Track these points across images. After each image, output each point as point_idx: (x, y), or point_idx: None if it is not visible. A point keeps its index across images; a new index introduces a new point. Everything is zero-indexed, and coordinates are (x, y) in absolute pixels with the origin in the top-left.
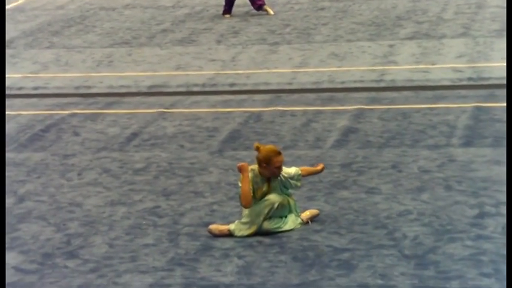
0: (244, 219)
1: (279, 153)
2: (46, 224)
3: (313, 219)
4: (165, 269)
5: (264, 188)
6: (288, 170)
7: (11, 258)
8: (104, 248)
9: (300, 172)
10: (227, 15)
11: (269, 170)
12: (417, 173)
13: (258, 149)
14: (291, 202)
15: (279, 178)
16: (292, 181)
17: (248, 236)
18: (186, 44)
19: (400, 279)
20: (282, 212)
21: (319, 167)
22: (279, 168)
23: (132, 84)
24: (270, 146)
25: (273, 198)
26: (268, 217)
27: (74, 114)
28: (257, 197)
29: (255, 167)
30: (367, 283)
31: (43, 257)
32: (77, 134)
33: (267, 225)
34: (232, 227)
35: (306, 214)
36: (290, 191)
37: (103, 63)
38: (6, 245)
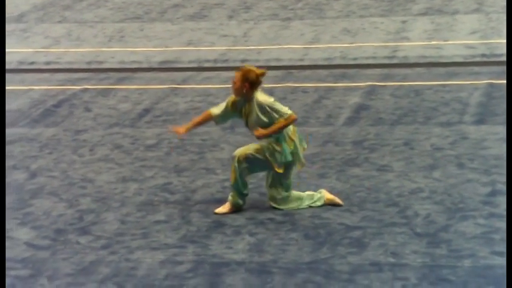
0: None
1: (239, 68)
2: (58, 200)
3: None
4: (177, 245)
5: (245, 112)
6: (274, 104)
7: (24, 233)
8: (115, 225)
9: (288, 113)
10: None
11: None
12: (429, 151)
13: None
14: (278, 148)
15: (254, 105)
16: (273, 114)
17: (241, 206)
18: (198, 19)
19: (412, 258)
20: (262, 165)
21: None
22: (232, 83)
23: (143, 59)
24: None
25: (237, 152)
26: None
27: (85, 90)
28: (243, 117)
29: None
30: (378, 261)
31: (55, 232)
32: (89, 109)
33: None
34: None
35: (329, 198)
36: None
37: (114, 38)
38: (19, 221)
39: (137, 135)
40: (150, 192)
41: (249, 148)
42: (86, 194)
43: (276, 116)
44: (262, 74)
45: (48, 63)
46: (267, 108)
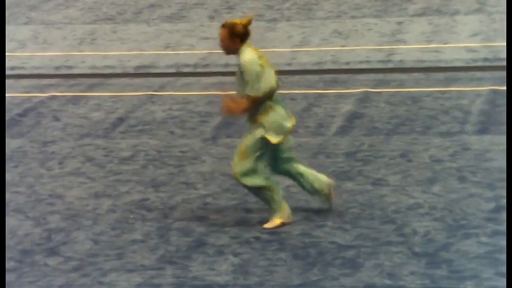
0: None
1: (222, 24)
2: (24, 218)
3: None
4: (155, 267)
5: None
6: (250, 71)
7: None
8: (87, 244)
9: (252, 94)
10: None
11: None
12: (428, 163)
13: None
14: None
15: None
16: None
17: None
18: (176, 20)
19: (410, 279)
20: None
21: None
22: (220, 42)
23: (117, 64)
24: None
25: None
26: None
27: (53, 97)
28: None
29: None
30: (374, 283)
31: (21, 253)
32: (58, 118)
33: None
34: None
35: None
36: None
37: (85, 41)
38: None
39: (111, 147)
40: (125, 208)
41: (241, 157)
42: (55, 211)
43: (245, 87)
44: (249, 22)
45: (12, 68)
46: (243, 70)
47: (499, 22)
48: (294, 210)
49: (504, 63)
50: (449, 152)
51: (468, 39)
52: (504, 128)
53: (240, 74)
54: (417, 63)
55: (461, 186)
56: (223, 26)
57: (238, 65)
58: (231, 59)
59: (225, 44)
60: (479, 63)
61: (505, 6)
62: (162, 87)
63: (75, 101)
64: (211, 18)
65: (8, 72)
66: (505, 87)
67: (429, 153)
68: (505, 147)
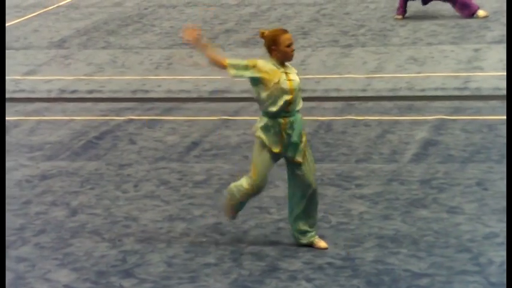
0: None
1: (285, 30)
2: (100, 240)
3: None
4: None
5: (281, 71)
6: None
7: (63, 275)
8: (161, 267)
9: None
10: (399, 17)
11: (280, 51)
12: (504, 192)
13: (262, 34)
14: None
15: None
16: None
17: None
18: (251, 45)
19: None
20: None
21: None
22: (290, 47)
23: (192, 88)
24: (275, 28)
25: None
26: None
27: (130, 121)
28: (274, 78)
29: (262, 61)
30: None
31: (97, 275)
32: (134, 142)
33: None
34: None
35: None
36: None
37: (162, 65)
38: (58, 262)
39: (185, 171)
40: (199, 232)
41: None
42: (130, 233)
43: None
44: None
45: (90, 91)
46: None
47: None
48: (368, 236)
49: None
50: None
51: None
52: None
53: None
54: (494, 91)
55: None
56: (283, 31)
57: (291, 71)
58: (307, 84)
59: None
60: None
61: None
62: (236, 112)
63: (151, 124)
64: None
65: (86, 95)
66: None
67: (505, 181)
68: None
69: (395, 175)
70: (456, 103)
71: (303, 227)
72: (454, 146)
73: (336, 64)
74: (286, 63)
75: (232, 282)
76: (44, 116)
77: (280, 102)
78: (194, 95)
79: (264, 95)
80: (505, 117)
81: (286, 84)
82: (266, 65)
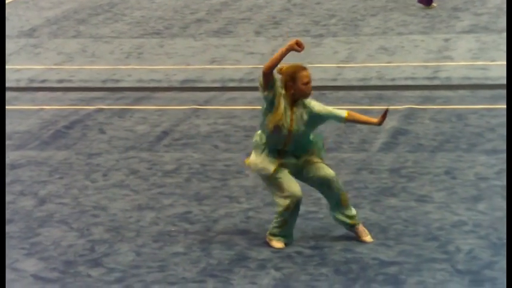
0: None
1: (304, 68)
2: (68, 229)
3: None
4: (196, 280)
5: (287, 113)
6: (328, 108)
7: (31, 265)
8: (130, 256)
9: (344, 115)
10: (434, 5)
11: (297, 88)
12: (473, 180)
13: (281, 70)
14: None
15: (304, 109)
16: (331, 117)
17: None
18: (222, 35)
19: None
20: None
21: (376, 119)
22: (307, 85)
23: (163, 78)
24: (294, 63)
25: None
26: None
27: (100, 110)
28: (276, 119)
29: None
30: None
31: (65, 264)
32: (103, 131)
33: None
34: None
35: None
36: (319, 144)
37: (132, 55)
38: (26, 251)
39: (155, 160)
40: (168, 221)
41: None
42: (99, 222)
43: (335, 113)
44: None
45: (60, 81)
46: (320, 109)
47: None
48: (336, 225)
49: None
50: (495, 169)
51: None
52: None
53: (306, 119)
54: (464, 80)
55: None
56: (302, 68)
57: (298, 112)
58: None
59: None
60: None
61: None
62: (207, 102)
63: (121, 114)
64: (258, 33)
65: (55, 84)
66: None
67: (474, 170)
68: None
69: (364, 164)
70: (426, 92)
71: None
72: (423, 135)
73: (307, 54)
74: (300, 102)
75: (201, 271)
76: (13, 105)
77: (274, 143)
78: (165, 85)
79: (267, 124)
80: (474, 106)
81: (285, 129)
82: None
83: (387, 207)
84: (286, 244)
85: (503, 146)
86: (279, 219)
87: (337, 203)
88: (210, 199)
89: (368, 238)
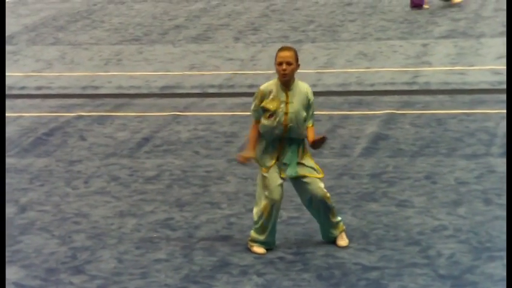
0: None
1: (285, 48)
2: (50, 236)
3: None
4: (179, 286)
5: (282, 98)
6: (313, 108)
7: (12, 273)
8: (112, 263)
9: (310, 124)
10: (426, 6)
11: (276, 69)
12: (453, 185)
13: None
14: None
15: (304, 95)
16: (309, 114)
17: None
18: (201, 41)
19: None
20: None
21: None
22: (280, 66)
23: (142, 84)
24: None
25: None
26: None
27: (80, 117)
28: (272, 108)
29: (267, 83)
30: None
31: (46, 272)
32: (84, 138)
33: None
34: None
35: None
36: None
37: (111, 61)
38: (7, 259)
39: (136, 167)
40: (150, 228)
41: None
42: (80, 230)
43: (309, 113)
44: None
45: (39, 88)
46: (309, 100)
47: None
48: (318, 230)
49: None
50: (475, 174)
51: (493, 61)
52: None
53: (300, 107)
54: (442, 86)
55: (487, 208)
56: (289, 48)
57: (292, 99)
58: (257, 79)
59: (293, 68)
60: (504, 86)
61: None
62: (187, 108)
63: (101, 120)
64: (236, 39)
65: (35, 92)
66: None
67: (454, 175)
68: None
69: (345, 169)
70: (405, 98)
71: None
72: (403, 140)
73: None
74: (296, 84)
75: (183, 278)
76: None
77: (274, 131)
78: (145, 91)
79: (263, 120)
80: (453, 111)
81: (281, 117)
82: (267, 90)
83: (368, 212)
84: (267, 250)
85: (483, 150)
86: (258, 224)
87: (327, 218)
88: (191, 205)
89: (343, 242)
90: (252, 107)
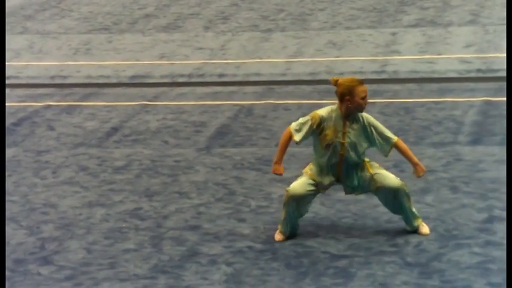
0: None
1: (361, 82)
2: (18, 227)
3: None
4: (147, 276)
5: (339, 128)
6: (381, 126)
7: None
8: (80, 254)
9: (394, 140)
10: None
11: (353, 102)
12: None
13: (336, 82)
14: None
15: (361, 124)
16: (379, 139)
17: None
18: (171, 30)
19: None
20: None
21: (419, 169)
22: (365, 100)
23: (112, 74)
24: (349, 77)
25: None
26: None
27: (48, 107)
28: (327, 139)
29: (326, 110)
30: None
31: (14, 263)
32: (52, 128)
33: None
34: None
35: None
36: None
37: (80, 50)
38: None
39: (104, 156)
40: (119, 218)
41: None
42: (48, 220)
43: (377, 133)
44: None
45: (7, 77)
46: (370, 125)
47: (492, 33)
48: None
49: (498, 74)
50: (442, 162)
51: (462, 50)
52: (497, 138)
53: (360, 137)
54: (411, 74)
55: (454, 196)
56: (358, 81)
57: (354, 129)
58: (227, 69)
59: (367, 100)
60: (473, 74)
61: (502, 16)
62: (156, 97)
63: (69, 110)
64: (206, 28)
65: None
66: (498, 98)
67: (422, 163)
68: (497, 157)
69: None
70: (374, 86)
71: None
72: None
73: (256, 49)
74: (354, 115)
75: (152, 268)
76: None
77: (330, 160)
78: (114, 81)
79: (318, 148)
80: (421, 99)
81: (338, 147)
82: (328, 117)
83: (337, 201)
84: (286, 238)
85: (451, 138)
86: (282, 211)
87: (407, 209)
88: (160, 195)
89: (425, 229)
90: (300, 125)
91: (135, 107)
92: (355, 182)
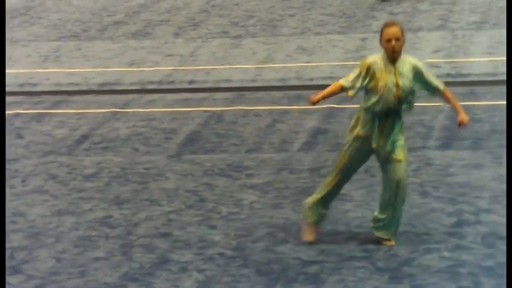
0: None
1: (391, 24)
2: None
3: None
4: (118, 285)
5: (389, 70)
6: (428, 73)
7: None
8: (50, 263)
9: (441, 88)
10: None
11: (382, 45)
12: None
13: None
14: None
15: (409, 68)
16: (426, 85)
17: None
18: (141, 37)
19: None
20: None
21: (463, 117)
22: (389, 42)
23: (81, 81)
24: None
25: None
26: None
27: (17, 115)
28: (379, 85)
29: (374, 55)
30: None
31: None
32: (21, 136)
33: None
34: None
35: None
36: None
37: (50, 58)
38: None
39: (74, 164)
40: (88, 226)
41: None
42: (17, 229)
43: (428, 79)
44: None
45: None
46: (420, 68)
47: (461, 38)
48: (258, 225)
49: (467, 78)
50: (412, 167)
51: (431, 55)
52: (466, 143)
53: (410, 80)
54: None
55: (423, 201)
56: (395, 23)
57: (401, 72)
58: (197, 75)
59: (401, 43)
60: (442, 79)
61: (470, 21)
62: (126, 104)
63: (39, 118)
64: (176, 35)
65: None
66: (468, 103)
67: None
68: (466, 162)
69: (285, 164)
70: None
71: (378, 215)
72: (342, 134)
73: (226, 55)
74: (404, 58)
75: (122, 276)
76: None
77: (385, 104)
78: (83, 88)
79: (370, 95)
80: None
81: (393, 91)
82: (376, 65)
83: None
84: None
85: (420, 143)
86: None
87: (388, 203)
88: (130, 203)
89: (389, 243)
90: (352, 82)
91: (105, 115)
92: (389, 147)
